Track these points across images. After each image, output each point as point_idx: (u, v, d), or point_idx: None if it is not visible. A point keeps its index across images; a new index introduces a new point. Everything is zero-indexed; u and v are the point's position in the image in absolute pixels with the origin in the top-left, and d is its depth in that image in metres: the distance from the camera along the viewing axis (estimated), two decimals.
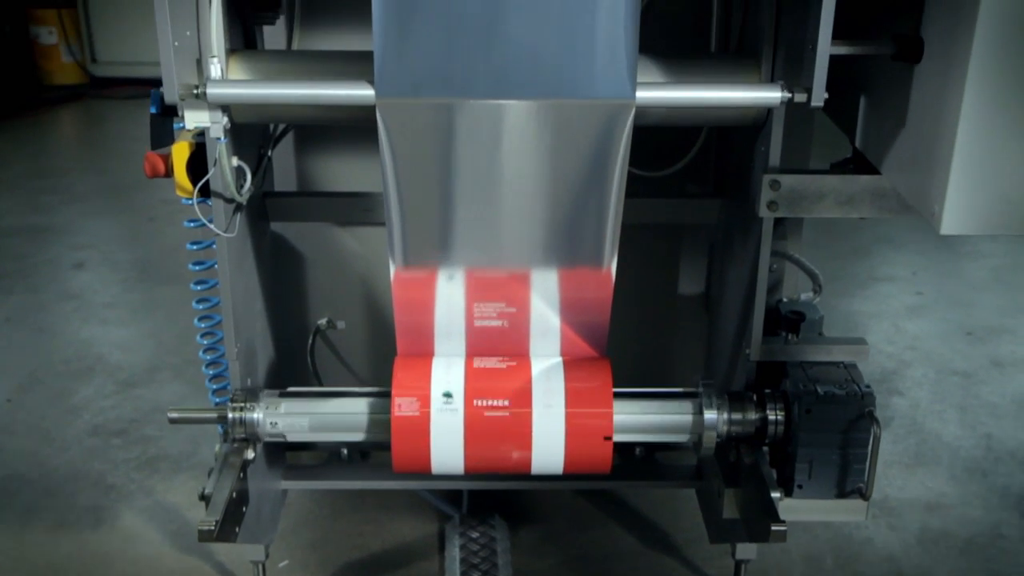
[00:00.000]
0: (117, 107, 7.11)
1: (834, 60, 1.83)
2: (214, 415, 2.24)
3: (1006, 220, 1.75)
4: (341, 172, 2.64)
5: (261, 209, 2.46)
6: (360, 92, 1.84)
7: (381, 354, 2.66)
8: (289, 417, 2.22)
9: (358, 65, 1.97)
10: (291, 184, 2.64)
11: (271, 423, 2.22)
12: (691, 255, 2.71)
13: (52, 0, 7.21)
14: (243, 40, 2.23)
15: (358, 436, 2.25)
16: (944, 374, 3.91)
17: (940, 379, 3.87)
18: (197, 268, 2.29)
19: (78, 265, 4.85)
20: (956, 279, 4.76)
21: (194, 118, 1.91)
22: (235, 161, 2.08)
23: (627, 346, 2.59)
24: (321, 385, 2.76)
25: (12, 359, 3.94)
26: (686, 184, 2.59)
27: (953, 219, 1.75)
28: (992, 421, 3.57)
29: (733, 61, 2.13)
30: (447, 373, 2.22)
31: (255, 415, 2.22)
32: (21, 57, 7.29)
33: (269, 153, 2.41)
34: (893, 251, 5.04)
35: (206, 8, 1.92)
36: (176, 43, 1.81)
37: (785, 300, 2.41)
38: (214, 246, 2.15)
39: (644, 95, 1.85)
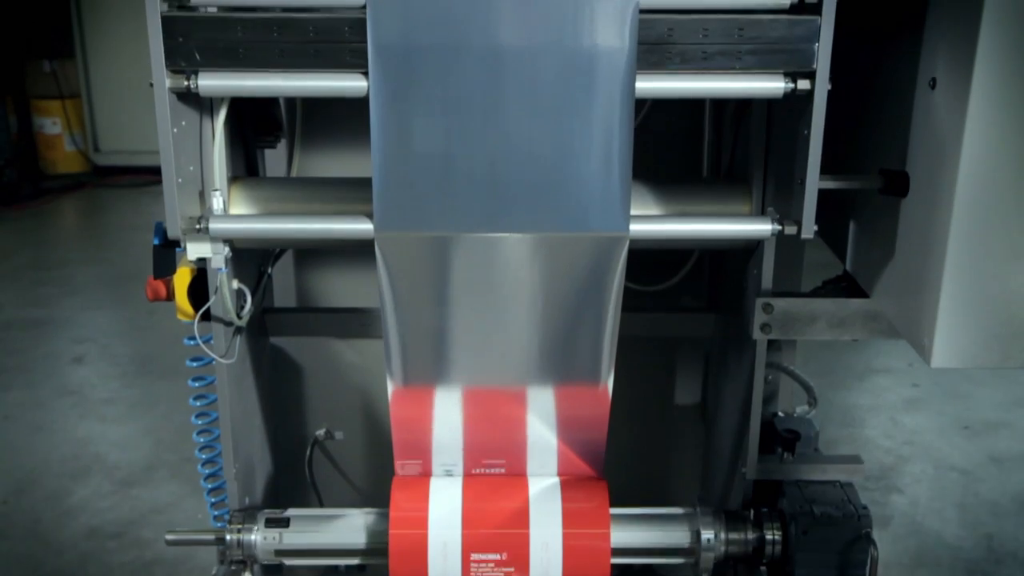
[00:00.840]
0: (119, 195, 7.20)
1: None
2: (211, 537, 2.24)
3: (997, 354, 1.78)
4: (340, 287, 2.68)
5: (260, 325, 2.49)
6: (359, 226, 1.88)
7: (379, 464, 2.67)
8: (287, 541, 2.22)
9: (357, 192, 2.01)
10: (291, 299, 2.67)
11: (269, 548, 2.22)
12: (686, 367, 2.73)
13: (57, 92, 7.33)
14: (245, 163, 2.28)
15: (356, 559, 2.25)
16: (943, 470, 3.91)
17: (939, 475, 3.87)
18: (196, 384, 2.31)
19: (77, 359, 4.87)
20: (952, 371, 4.77)
21: (196, 250, 1.94)
22: (235, 284, 2.11)
23: (623, 459, 2.60)
24: (319, 497, 2.76)
25: (10, 459, 3.94)
26: (681, 297, 2.62)
27: (943, 353, 1.77)
28: (992, 520, 3.57)
29: (725, 187, 2.17)
30: (445, 494, 2.23)
31: (253, 537, 2.22)
32: (26, 147, 7.40)
33: (269, 271, 2.44)
34: (888, 342, 5.06)
35: (209, 143, 1.97)
36: (180, 180, 1.85)
37: (781, 415, 2.43)
38: (213, 363, 2.18)
39: (638, 228, 1.88)
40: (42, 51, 7.46)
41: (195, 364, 2.26)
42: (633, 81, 1.77)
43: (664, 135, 2.39)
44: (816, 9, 1.76)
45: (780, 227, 1.91)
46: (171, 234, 1.88)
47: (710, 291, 2.62)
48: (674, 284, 2.49)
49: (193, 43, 1.76)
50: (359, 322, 2.56)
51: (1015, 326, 1.78)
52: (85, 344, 5.01)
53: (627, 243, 1.88)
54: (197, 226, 1.89)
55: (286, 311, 2.62)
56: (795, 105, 1.86)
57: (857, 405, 4.45)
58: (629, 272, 1.98)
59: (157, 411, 4.31)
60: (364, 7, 1.73)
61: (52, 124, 7.39)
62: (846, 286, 2.22)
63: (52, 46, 7.54)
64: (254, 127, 2.29)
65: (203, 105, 1.94)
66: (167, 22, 1.75)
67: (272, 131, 2.33)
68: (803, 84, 1.80)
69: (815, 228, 1.88)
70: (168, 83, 1.79)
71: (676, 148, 2.41)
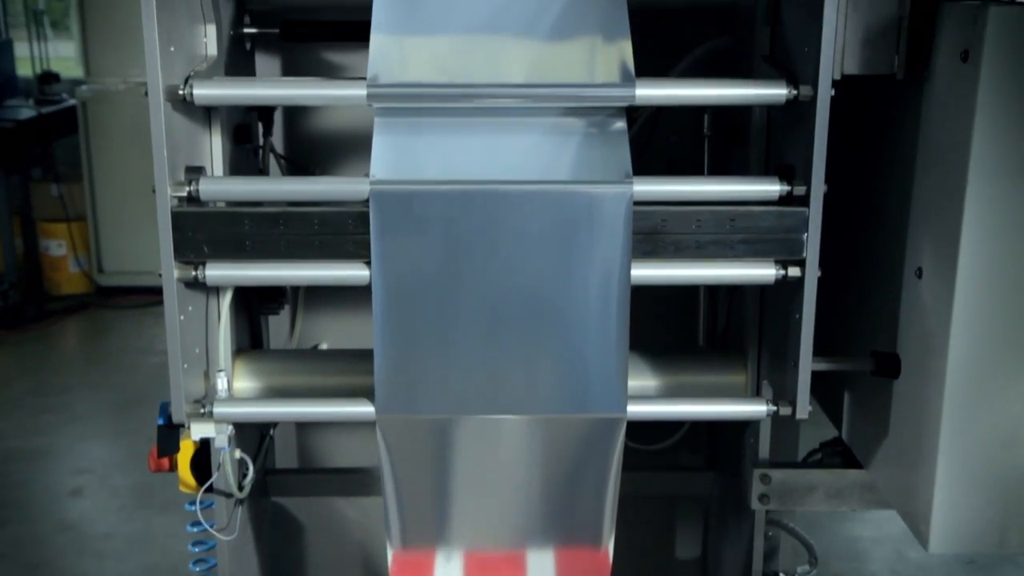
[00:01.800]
0: (122, 316, 7.24)
1: None
2: None
3: (994, 538, 1.79)
4: (342, 446, 2.69)
5: (262, 486, 2.50)
6: (360, 409, 1.91)
7: None
8: None
9: (358, 364, 2.05)
10: (292, 459, 2.68)
11: None
12: (686, 525, 2.73)
13: (64, 215, 7.43)
14: (249, 330, 2.32)
15: None
16: None
17: None
18: (196, 549, 2.32)
19: (76, 492, 4.85)
20: None
21: (200, 430, 1.97)
22: (238, 454, 2.13)
23: None
24: None
25: None
26: (679, 455, 2.63)
27: (940, 538, 1.79)
28: None
29: (720, 357, 2.22)
30: None
31: None
32: (31, 269, 7.47)
33: (271, 433, 2.47)
34: None
35: (215, 322, 2.01)
36: (185, 365, 1.89)
37: (781, 575, 2.43)
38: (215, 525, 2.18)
39: (636, 409, 1.92)
40: (50, 175, 7.58)
41: (195, 529, 2.27)
42: (628, 270, 1.82)
43: (660, 304, 2.43)
44: (804, 201, 1.82)
45: (775, 408, 1.94)
46: (176, 419, 1.91)
47: (709, 450, 2.64)
48: (673, 443, 2.51)
49: (202, 237, 1.82)
50: (361, 481, 2.57)
51: (1011, 510, 1.80)
52: (84, 475, 4.99)
53: (624, 423, 1.91)
54: (201, 410, 1.92)
55: (288, 472, 2.64)
56: (786, 290, 1.91)
57: (861, 537, 4.41)
58: (628, 431, 2.00)
59: (155, 548, 4.28)
60: (368, 201, 1.79)
61: (57, 246, 7.48)
62: (842, 451, 2.25)
63: (60, 170, 7.66)
64: (258, 295, 2.34)
65: (209, 289, 1.99)
66: (177, 218, 1.81)
67: (276, 298, 2.38)
68: (793, 271, 1.86)
69: (809, 408, 1.91)
70: (176, 274, 1.84)
71: (672, 317, 2.46)
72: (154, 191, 1.81)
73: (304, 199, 1.85)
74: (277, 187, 1.93)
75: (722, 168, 2.35)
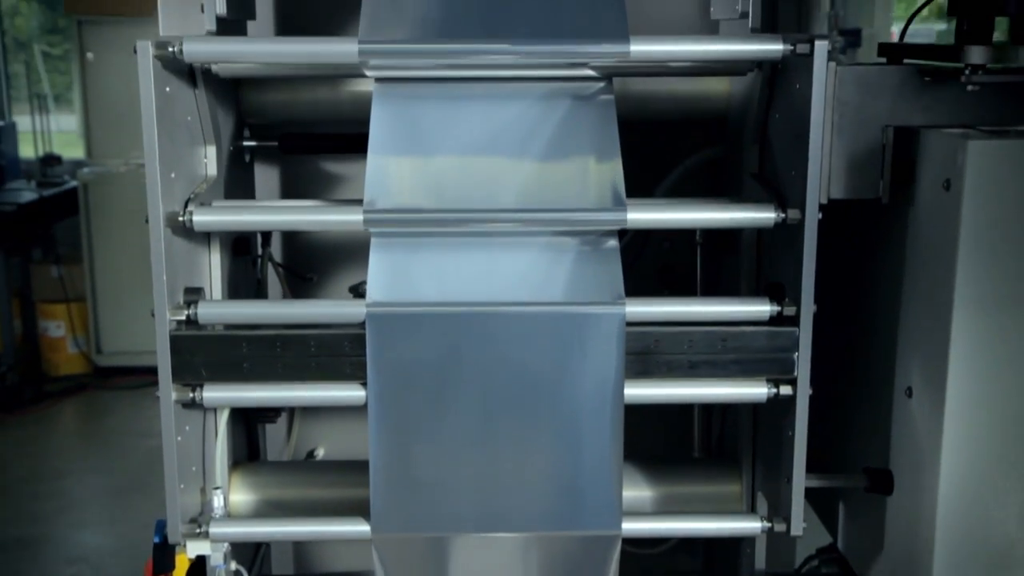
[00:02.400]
0: (120, 397, 7.23)
1: None
2: None
3: None
4: (337, 552, 2.69)
5: None
6: (355, 528, 1.91)
7: None
8: None
9: (354, 476, 2.06)
10: (288, 565, 2.67)
11: None
12: None
13: (63, 296, 7.47)
14: (246, 440, 2.34)
15: None
16: None
17: None
18: None
19: None
20: None
21: (196, 548, 1.97)
22: (233, 566, 2.13)
23: None
24: None
25: None
26: (678, 559, 2.63)
27: None
28: None
29: (715, 467, 2.23)
30: None
31: None
32: (29, 350, 7.48)
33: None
34: None
35: (212, 439, 2.03)
36: (182, 485, 1.90)
37: None
38: None
39: (631, 526, 1.92)
40: (51, 256, 7.64)
41: None
42: (622, 389, 1.84)
43: (655, 412, 2.44)
44: (794, 321, 1.85)
45: (769, 525, 1.94)
46: (172, 539, 1.92)
47: (706, 555, 2.63)
48: (670, 547, 2.51)
49: (200, 360, 1.84)
50: None
51: None
52: (78, 565, 4.96)
53: (619, 540, 1.92)
54: (197, 530, 1.93)
55: None
56: (779, 408, 1.92)
57: None
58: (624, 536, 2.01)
59: None
60: (364, 323, 1.82)
61: (56, 327, 7.50)
62: (837, 558, 2.25)
63: (61, 250, 7.71)
64: (255, 407, 2.35)
65: (206, 408, 2.00)
66: (175, 341, 1.83)
67: (273, 409, 2.39)
68: (785, 390, 1.88)
69: (804, 524, 1.92)
70: (174, 396, 1.86)
71: (667, 425, 2.47)
72: (153, 315, 1.84)
73: (301, 322, 1.88)
74: (275, 311, 1.96)
75: (714, 275, 2.38)
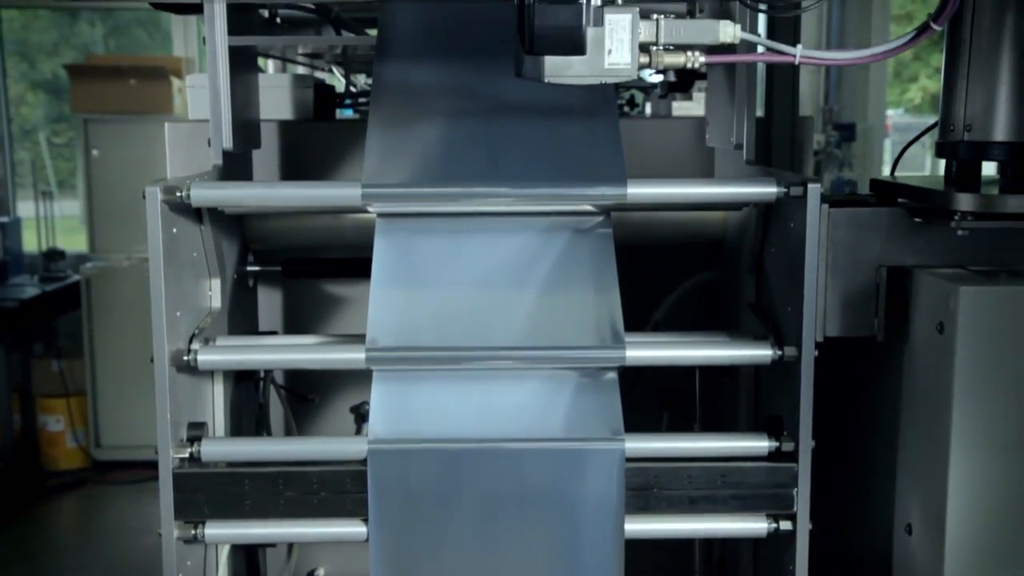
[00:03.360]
0: (118, 492, 7.18)
1: None
2: None
3: None
4: None
5: None
6: None
7: None
8: None
9: None
10: None
11: None
12: None
13: (63, 390, 7.46)
14: (245, 560, 2.33)
15: None
16: None
17: None
18: None
19: None
20: None
21: None
22: None
23: None
24: None
25: None
26: None
27: None
28: None
29: None
30: None
31: None
32: (28, 445, 7.45)
33: None
34: None
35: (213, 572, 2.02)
36: None
37: None
38: None
39: None
40: (51, 350, 7.65)
41: None
42: (622, 524, 1.84)
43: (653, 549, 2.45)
44: (793, 457, 1.86)
45: None
46: None
47: None
48: None
49: (203, 498, 1.85)
50: None
51: None
52: None
53: None
54: None
55: None
56: (779, 543, 1.93)
57: None
58: None
59: None
60: (365, 460, 1.83)
61: (56, 422, 7.48)
62: None
63: (62, 344, 7.73)
64: None
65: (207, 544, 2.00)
66: (178, 479, 1.84)
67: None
68: (785, 525, 1.88)
69: None
70: (176, 533, 1.86)
71: (668, 546, 2.46)
72: (156, 452, 1.85)
73: (304, 459, 1.89)
74: (278, 448, 1.97)
75: (713, 398, 2.40)
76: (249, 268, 2.39)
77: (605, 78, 1.54)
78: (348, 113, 3.28)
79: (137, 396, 7.28)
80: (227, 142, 2.19)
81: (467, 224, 2.02)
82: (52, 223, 8.55)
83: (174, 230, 1.87)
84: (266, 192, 1.97)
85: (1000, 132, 1.76)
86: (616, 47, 1.52)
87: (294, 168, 2.58)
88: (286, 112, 2.60)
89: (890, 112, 9.14)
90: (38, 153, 9.48)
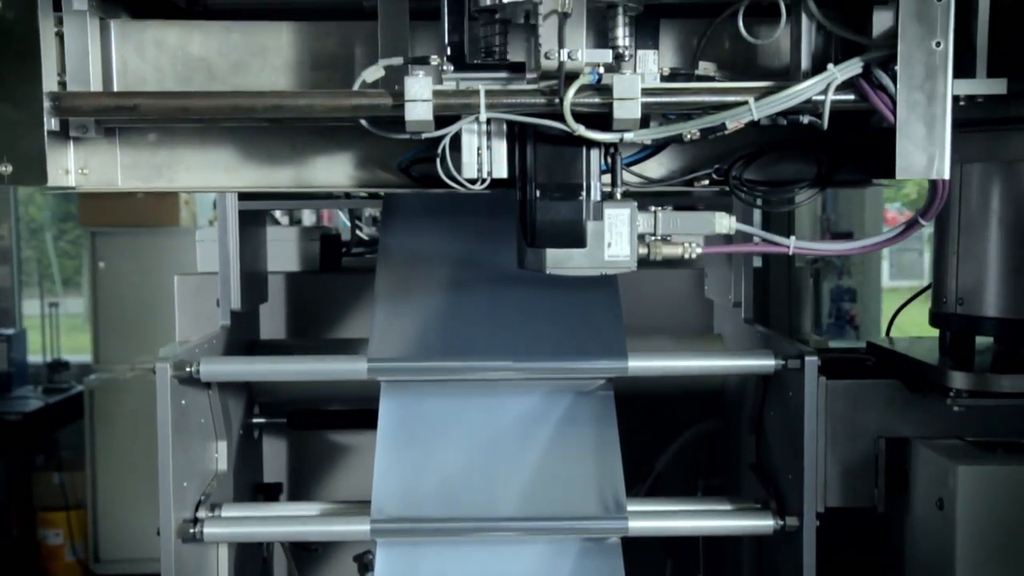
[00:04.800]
0: None
1: None
2: None
3: None
4: None
5: None
6: None
7: None
8: None
9: None
10: None
11: None
12: None
13: (64, 504, 7.41)
14: None
15: None
16: None
17: None
18: None
19: None
20: None
21: None
22: None
23: None
24: None
25: None
26: None
27: None
28: None
29: None
30: None
31: None
32: (26, 559, 7.37)
33: None
34: None
35: None
36: None
37: None
38: None
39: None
40: (53, 462, 7.63)
41: None
42: None
43: None
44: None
45: None
46: None
47: None
48: None
49: None
50: None
51: None
52: None
53: None
54: None
55: None
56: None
57: None
58: None
59: None
60: None
61: (55, 535, 7.40)
62: None
63: (64, 454, 7.70)
64: None
65: None
66: None
67: None
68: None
69: None
70: None
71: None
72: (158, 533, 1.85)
73: None
74: None
75: (716, 550, 2.40)
76: (255, 420, 2.41)
77: (605, 270, 1.58)
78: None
79: (138, 510, 7.22)
80: (235, 303, 2.23)
81: (470, 386, 2.04)
82: (57, 330, 8.60)
83: (183, 402, 1.90)
84: (275, 368, 2.01)
85: (991, 308, 1.80)
86: (615, 240, 1.57)
87: (300, 320, 2.62)
88: (293, 263, 2.66)
89: (888, 207, 9.23)
90: (44, 251, 9.57)
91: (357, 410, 2.46)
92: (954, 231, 1.83)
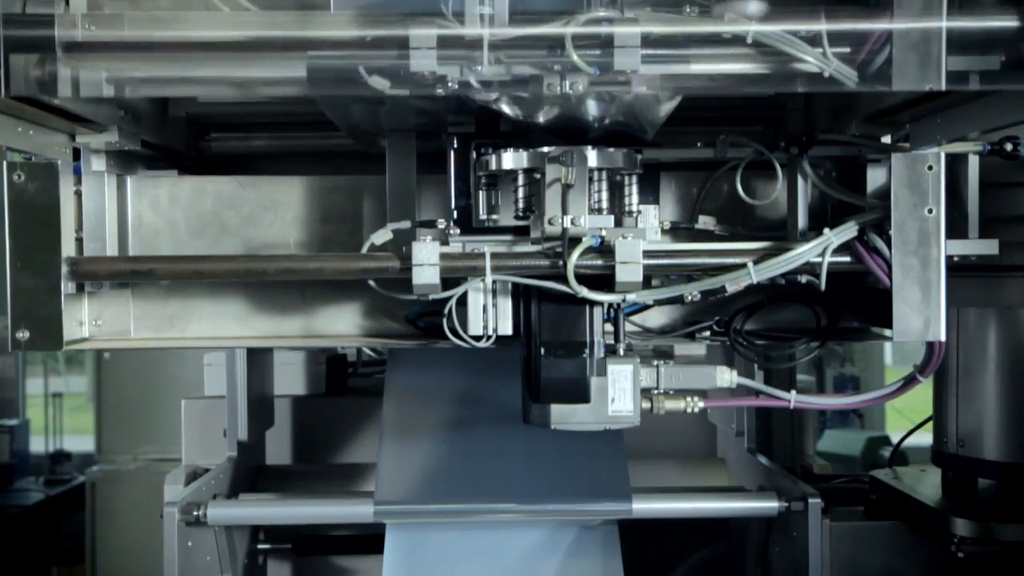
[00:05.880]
0: None
1: None
2: None
3: None
4: None
5: None
6: None
7: None
8: None
9: None
10: None
11: None
12: None
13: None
14: None
15: None
16: None
17: None
18: None
19: None
20: None
21: None
22: None
23: None
24: None
25: None
26: None
27: None
28: None
29: None
30: None
31: None
32: None
33: None
34: None
35: None
36: None
37: None
38: None
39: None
40: (52, 556, 7.57)
41: None
42: None
43: None
44: None
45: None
46: None
47: None
48: None
49: None
50: None
51: None
52: None
53: None
54: None
55: None
56: None
57: None
58: None
59: None
60: None
61: None
62: None
63: (64, 545, 7.65)
64: None
65: None
66: None
67: None
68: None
69: None
70: None
71: None
72: None
73: None
74: None
75: None
76: (260, 546, 2.42)
77: (609, 425, 1.61)
78: None
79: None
80: (242, 434, 2.25)
81: (476, 521, 2.05)
82: (61, 418, 8.60)
83: (189, 543, 1.91)
84: (282, 511, 2.02)
85: (991, 451, 1.82)
86: (619, 396, 1.60)
87: (307, 443, 2.64)
88: (299, 386, 2.68)
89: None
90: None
91: (363, 535, 2.46)
92: (953, 375, 1.86)
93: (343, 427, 2.63)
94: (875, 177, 1.68)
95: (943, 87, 1.33)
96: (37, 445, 8.47)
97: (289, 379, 2.66)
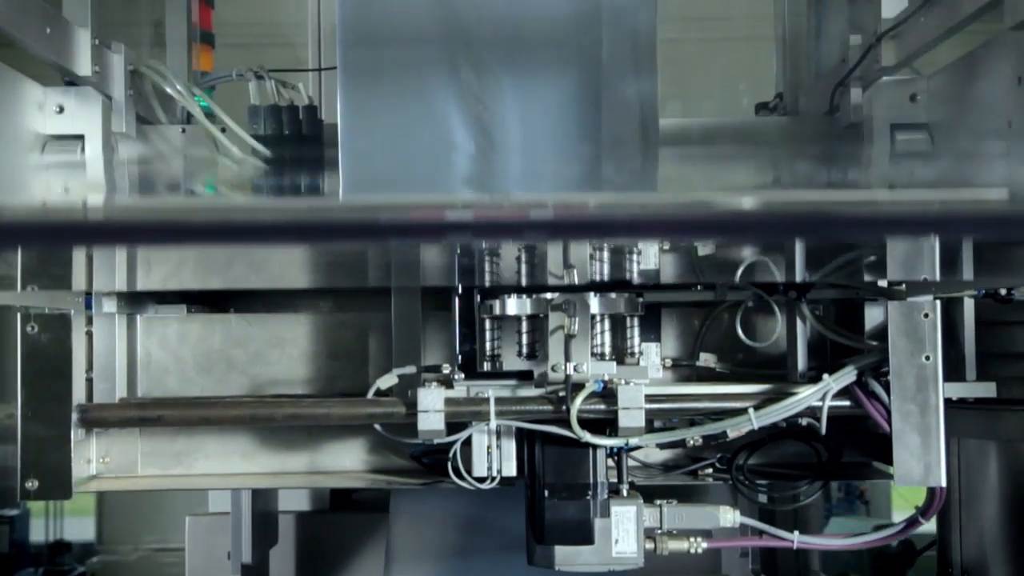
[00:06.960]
0: None
1: None
2: None
3: None
4: None
5: None
6: None
7: None
8: None
9: None
10: None
11: None
12: None
13: None
14: None
15: None
16: None
17: None
18: None
19: None
20: None
21: None
22: None
23: None
24: None
25: None
26: None
27: None
28: None
29: None
30: None
31: None
32: None
33: None
34: None
35: None
36: None
37: None
38: None
39: None
40: None
41: None
42: None
43: None
44: None
45: None
46: None
47: None
48: None
49: None
50: None
51: None
52: None
53: None
54: None
55: None
56: None
57: None
58: None
59: None
60: None
61: None
62: None
63: None
64: None
65: None
66: None
67: None
68: None
69: None
70: None
71: None
72: None
73: None
74: None
75: None
76: None
77: (613, 566, 1.61)
78: None
79: None
80: (247, 556, 2.25)
81: None
82: (61, 506, 8.52)
83: None
84: None
85: None
86: (623, 537, 1.60)
87: (311, 561, 2.63)
88: (303, 502, 2.68)
89: None
90: None
91: None
92: (956, 506, 1.86)
93: (347, 544, 2.62)
94: (873, 316, 1.70)
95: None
96: (37, 532, 8.38)
97: (293, 493, 2.66)
